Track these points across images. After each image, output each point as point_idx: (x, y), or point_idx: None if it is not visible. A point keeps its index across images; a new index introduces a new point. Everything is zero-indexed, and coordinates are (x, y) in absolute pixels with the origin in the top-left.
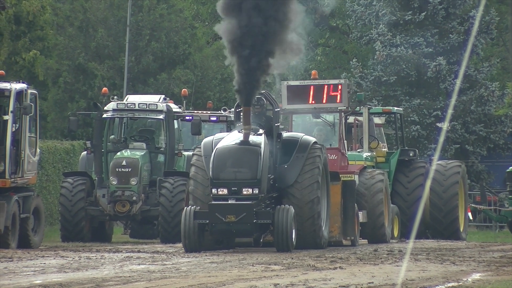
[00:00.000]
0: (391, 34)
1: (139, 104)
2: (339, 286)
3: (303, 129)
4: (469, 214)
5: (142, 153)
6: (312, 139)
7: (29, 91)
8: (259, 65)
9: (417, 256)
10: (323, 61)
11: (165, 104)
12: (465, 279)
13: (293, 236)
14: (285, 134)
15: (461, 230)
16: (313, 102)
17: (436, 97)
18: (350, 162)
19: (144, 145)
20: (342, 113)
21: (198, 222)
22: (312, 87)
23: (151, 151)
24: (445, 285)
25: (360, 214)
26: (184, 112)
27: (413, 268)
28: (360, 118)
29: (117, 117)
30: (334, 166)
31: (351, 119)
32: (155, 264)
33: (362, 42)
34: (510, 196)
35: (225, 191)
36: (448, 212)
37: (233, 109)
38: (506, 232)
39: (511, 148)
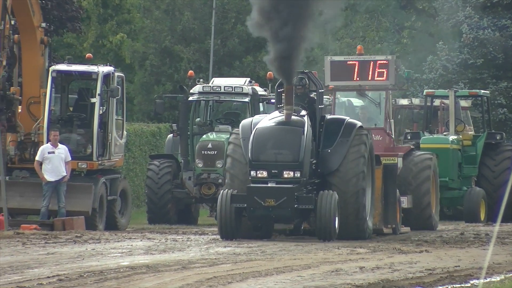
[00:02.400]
0: (478, 16)
1: (224, 87)
2: (425, 270)
3: (346, 108)
4: None
5: (228, 136)
6: (358, 123)
7: (116, 74)
8: (297, 38)
9: (504, 240)
10: (409, 44)
11: (250, 87)
12: None
13: (336, 224)
14: (328, 117)
15: None
16: (358, 79)
17: None
18: (435, 146)
19: (229, 128)
20: (389, 91)
21: (235, 206)
22: (357, 63)
23: None
24: None
25: (404, 199)
26: (270, 95)
27: (500, 251)
28: (446, 101)
29: (203, 100)
30: (379, 147)
31: (437, 102)
32: (241, 247)
33: (449, 24)
34: None
35: (265, 173)
36: None
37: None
38: None
39: None
